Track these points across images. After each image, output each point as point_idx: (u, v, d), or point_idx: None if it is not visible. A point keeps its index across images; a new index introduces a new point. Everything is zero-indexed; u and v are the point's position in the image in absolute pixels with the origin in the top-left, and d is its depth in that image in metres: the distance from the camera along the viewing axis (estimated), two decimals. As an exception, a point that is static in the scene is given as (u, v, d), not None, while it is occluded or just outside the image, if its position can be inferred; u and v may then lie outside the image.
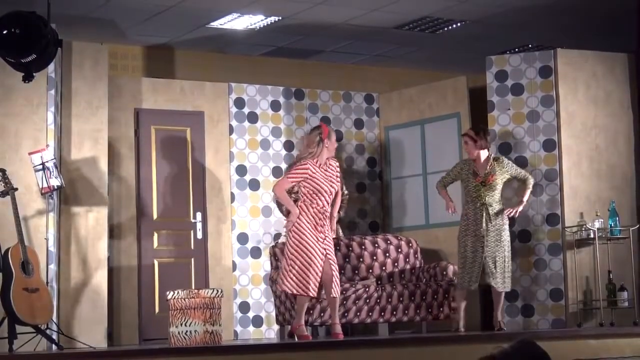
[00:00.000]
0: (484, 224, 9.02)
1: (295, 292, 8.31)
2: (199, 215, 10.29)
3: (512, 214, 9.09)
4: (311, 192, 8.38)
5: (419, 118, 11.14)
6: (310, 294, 8.29)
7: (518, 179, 9.22)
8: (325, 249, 8.36)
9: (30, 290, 7.89)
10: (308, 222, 8.33)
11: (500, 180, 9.09)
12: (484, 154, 9.20)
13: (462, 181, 9.26)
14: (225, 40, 10.72)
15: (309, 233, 8.31)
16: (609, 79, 10.21)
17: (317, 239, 8.32)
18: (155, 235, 10.14)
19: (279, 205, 9.66)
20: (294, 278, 8.28)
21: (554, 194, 9.89)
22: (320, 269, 8.31)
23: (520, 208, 9.15)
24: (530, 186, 9.19)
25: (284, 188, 8.51)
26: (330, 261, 8.37)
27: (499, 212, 9.04)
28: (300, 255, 8.28)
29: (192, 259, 10.24)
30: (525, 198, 9.16)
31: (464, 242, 9.11)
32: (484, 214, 9.02)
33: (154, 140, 10.24)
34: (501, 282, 8.98)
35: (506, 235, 9.03)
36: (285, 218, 8.85)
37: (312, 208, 8.36)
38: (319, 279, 8.30)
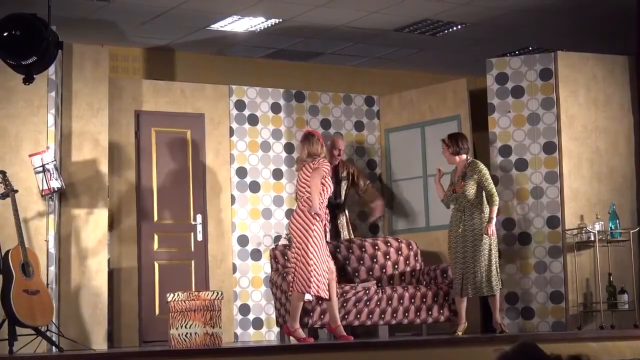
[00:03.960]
0: (460, 230, 9.00)
1: (324, 295, 8.33)
2: (199, 217, 10.29)
3: (489, 234, 9.00)
4: (324, 190, 8.43)
5: (420, 120, 11.13)
6: (326, 295, 8.39)
7: (484, 191, 9.03)
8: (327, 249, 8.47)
9: (31, 292, 7.90)
10: (321, 223, 8.39)
11: (470, 186, 9.04)
12: (460, 160, 9.17)
13: None
14: (226, 43, 10.73)
15: (323, 234, 8.38)
16: (609, 81, 10.22)
17: (324, 238, 8.41)
18: (156, 237, 10.14)
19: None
20: (322, 280, 8.31)
21: (555, 197, 9.89)
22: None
23: (492, 226, 8.96)
24: (496, 204, 8.96)
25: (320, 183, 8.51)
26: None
27: (477, 218, 8.99)
28: (320, 257, 8.31)
29: (193, 261, 10.24)
30: (494, 214, 8.97)
31: (449, 250, 9.17)
32: (461, 221, 9.00)
33: (155, 142, 10.24)
34: (486, 287, 8.94)
35: (486, 241, 8.95)
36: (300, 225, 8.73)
37: (322, 208, 8.41)
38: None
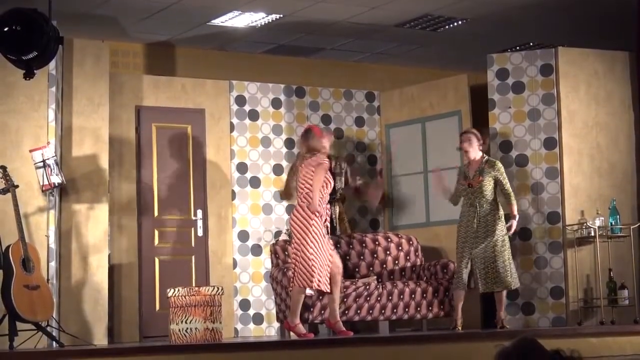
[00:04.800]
0: (474, 226, 9.00)
1: (325, 289, 8.34)
2: (199, 212, 10.29)
3: (512, 232, 9.12)
4: (323, 186, 8.44)
5: (420, 116, 11.14)
6: (327, 289, 8.39)
7: (501, 189, 9.11)
8: (330, 244, 8.45)
9: (31, 287, 7.90)
10: (320, 219, 8.40)
11: (488, 182, 9.06)
12: (479, 155, 9.20)
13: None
14: (227, 38, 10.72)
15: (323, 229, 8.37)
16: (609, 77, 10.21)
17: (324, 234, 8.40)
18: (156, 233, 10.14)
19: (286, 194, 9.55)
20: (324, 273, 8.32)
21: (555, 192, 9.89)
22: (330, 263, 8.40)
23: (515, 222, 9.11)
24: (514, 201, 9.11)
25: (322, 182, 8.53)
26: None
27: (491, 214, 9.01)
28: (321, 251, 8.32)
29: (193, 257, 10.24)
30: (515, 211, 9.10)
31: (457, 244, 9.14)
32: (475, 216, 9.01)
33: (155, 137, 10.24)
34: (491, 282, 8.95)
35: (499, 237, 8.98)
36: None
37: (323, 203, 8.42)
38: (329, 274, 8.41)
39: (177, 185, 10.27)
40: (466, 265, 9.01)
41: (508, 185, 9.14)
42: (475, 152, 9.21)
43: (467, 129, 9.62)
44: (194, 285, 9.84)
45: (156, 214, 10.15)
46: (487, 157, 9.29)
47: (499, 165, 9.19)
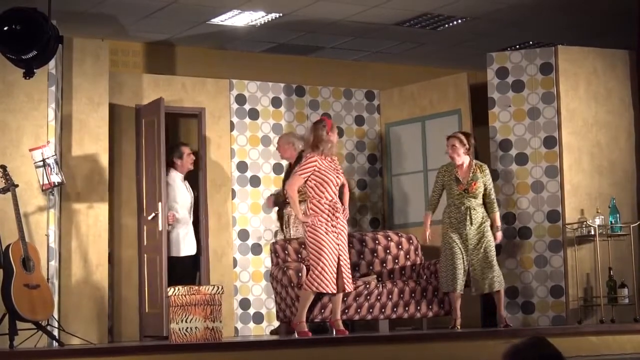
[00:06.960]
0: (467, 228, 8.98)
1: (314, 289, 8.32)
2: (159, 205, 10.16)
3: (498, 242, 9.13)
4: (319, 184, 8.41)
5: (420, 115, 11.13)
6: (329, 290, 8.35)
7: (487, 194, 9.11)
8: (338, 244, 8.41)
9: (31, 286, 7.90)
10: (321, 218, 8.35)
11: (481, 186, 9.06)
12: (467, 159, 9.14)
13: (443, 186, 9.22)
14: (226, 37, 10.72)
15: (323, 229, 8.34)
16: (609, 75, 10.21)
17: (332, 233, 8.37)
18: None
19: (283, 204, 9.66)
20: (313, 275, 8.31)
21: (555, 191, 9.89)
22: (335, 263, 8.34)
23: (500, 233, 9.13)
24: (498, 210, 9.14)
25: (297, 186, 8.51)
26: (340, 256, 8.40)
27: (481, 215, 9.02)
28: (317, 252, 8.31)
29: (157, 257, 10.17)
30: (499, 221, 9.15)
31: (449, 246, 9.05)
32: (468, 218, 8.99)
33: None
34: (489, 283, 8.94)
35: (489, 237, 9.00)
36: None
37: (323, 204, 8.39)
38: (335, 274, 8.36)
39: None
40: (464, 268, 8.97)
41: (493, 192, 9.14)
42: (462, 157, 9.13)
43: (454, 133, 9.38)
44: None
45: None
46: (476, 161, 9.21)
47: (488, 170, 9.16)
